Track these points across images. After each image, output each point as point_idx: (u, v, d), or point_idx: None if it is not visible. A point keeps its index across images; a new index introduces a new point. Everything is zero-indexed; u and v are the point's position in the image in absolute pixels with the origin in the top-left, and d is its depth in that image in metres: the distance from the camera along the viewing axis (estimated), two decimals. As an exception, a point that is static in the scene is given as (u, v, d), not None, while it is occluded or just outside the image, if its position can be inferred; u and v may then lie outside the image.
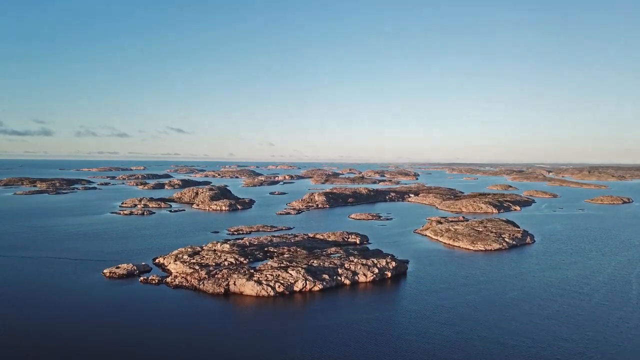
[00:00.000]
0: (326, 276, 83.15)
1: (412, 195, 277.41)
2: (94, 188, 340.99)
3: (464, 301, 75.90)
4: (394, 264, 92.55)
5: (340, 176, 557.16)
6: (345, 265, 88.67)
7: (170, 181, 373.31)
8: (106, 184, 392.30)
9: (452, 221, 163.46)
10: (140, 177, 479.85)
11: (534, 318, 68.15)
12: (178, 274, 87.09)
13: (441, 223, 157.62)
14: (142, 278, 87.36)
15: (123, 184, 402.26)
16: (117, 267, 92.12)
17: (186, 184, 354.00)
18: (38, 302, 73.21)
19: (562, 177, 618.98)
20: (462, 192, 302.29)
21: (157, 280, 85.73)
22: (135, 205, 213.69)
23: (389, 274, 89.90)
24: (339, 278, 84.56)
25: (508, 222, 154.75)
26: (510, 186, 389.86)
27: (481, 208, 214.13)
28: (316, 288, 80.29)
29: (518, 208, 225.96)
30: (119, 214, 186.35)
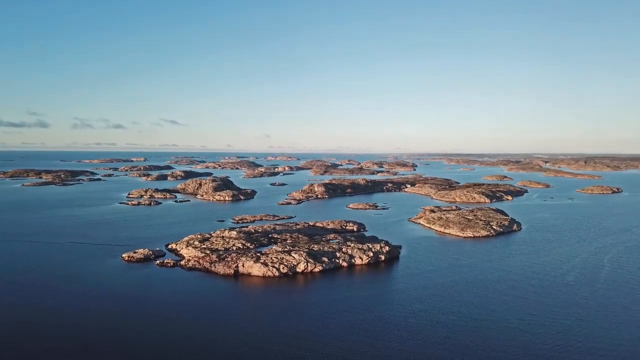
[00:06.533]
0: (325, 259, 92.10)
1: (409, 186, 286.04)
2: (99, 179, 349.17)
3: (448, 281, 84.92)
4: (387, 248, 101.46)
5: (339, 167, 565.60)
6: (343, 250, 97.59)
7: (172, 172, 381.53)
8: (110, 175, 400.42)
9: (444, 210, 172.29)
10: (142, 168, 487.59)
11: (507, 296, 77.17)
12: (191, 258, 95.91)
13: (434, 212, 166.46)
14: (158, 261, 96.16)
15: (126, 175, 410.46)
16: (135, 252, 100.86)
17: (188, 175, 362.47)
18: (69, 283, 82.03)
19: (558, 167, 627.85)
20: (458, 183, 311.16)
21: (172, 263, 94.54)
22: (142, 196, 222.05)
23: (383, 258, 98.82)
24: (337, 261, 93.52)
25: (497, 211, 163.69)
26: (506, 176, 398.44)
27: (474, 198, 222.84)
28: (316, 269, 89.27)
29: (510, 198, 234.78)
30: (127, 204, 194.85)
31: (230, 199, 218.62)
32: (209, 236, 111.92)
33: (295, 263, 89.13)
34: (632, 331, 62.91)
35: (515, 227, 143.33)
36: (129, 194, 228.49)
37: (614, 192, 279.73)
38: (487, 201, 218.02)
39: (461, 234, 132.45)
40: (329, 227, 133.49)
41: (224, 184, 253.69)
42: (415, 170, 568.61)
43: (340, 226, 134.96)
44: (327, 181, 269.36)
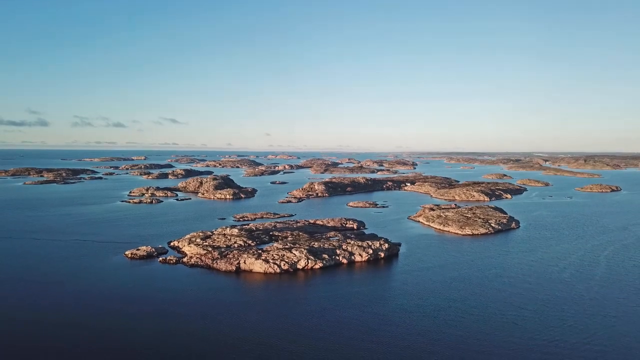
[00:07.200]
0: (326, 256, 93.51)
1: (409, 184, 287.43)
2: (100, 178, 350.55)
3: (446, 278, 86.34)
4: (386, 245, 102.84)
5: (340, 166, 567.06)
6: (343, 247, 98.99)
7: (173, 171, 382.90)
8: (111, 173, 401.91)
9: (444, 208, 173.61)
10: (143, 167, 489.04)
11: (503, 292, 78.64)
12: (193, 255, 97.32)
13: (434, 210, 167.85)
14: (160, 258, 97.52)
15: (127, 173, 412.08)
16: (137, 249, 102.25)
17: (189, 173, 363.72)
18: (72, 280, 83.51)
19: (558, 166, 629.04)
20: (457, 181, 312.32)
21: (174, 260, 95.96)
22: (143, 194, 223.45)
23: (382, 255, 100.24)
24: (337, 257, 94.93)
25: (496, 209, 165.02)
26: (505, 175, 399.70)
27: (473, 196, 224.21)
28: (317, 266, 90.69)
29: (509, 196, 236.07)
30: (129, 202, 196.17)
31: (231, 197, 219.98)
32: (210, 234, 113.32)
33: (296, 260, 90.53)
34: (625, 326, 64.30)
35: (513, 225, 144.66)
36: (130, 192, 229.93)
37: (613, 190, 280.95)
38: (486, 199, 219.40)
39: (460, 232, 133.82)
40: (329, 225, 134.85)
41: (225, 183, 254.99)
42: (415, 168, 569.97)
43: (340, 224, 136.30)
44: (327, 179, 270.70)
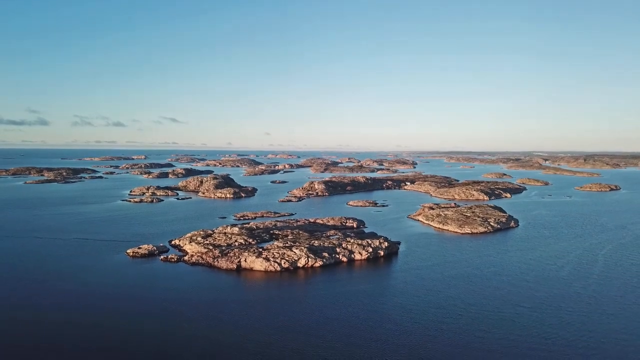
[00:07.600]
0: (326, 254, 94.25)
1: (409, 184, 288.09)
2: (100, 177, 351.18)
3: (445, 276, 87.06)
4: (386, 244, 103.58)
5: (339, 165, 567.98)
6: (343, 245, 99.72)
7: (173, 170, 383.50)
8: (111, 173, 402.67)
9: (443, 207, 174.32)
10: (143, 166, 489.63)
11: (501, 290, 79.37)
12: (194, 253, 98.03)
13: (433, 209, 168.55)
14: (162, 257, 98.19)
15: (127, 173, 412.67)
16: (139, 248, 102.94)
17: (189, 172, 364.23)
18: (76, 277, 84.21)
19: (558, 165, 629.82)
20: (457, 180, 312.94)
21: (176, 259, 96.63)
22: (144, 193, 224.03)
23: (382, 253, 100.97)
24: (337, 256, 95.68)
25: (495, 208, 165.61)
26: (505, 174, 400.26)
27: (473, 195, 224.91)
28: (317, 264, 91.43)
29: (508, 195, 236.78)
30: (129, 201, 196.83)
31: (232, 196, 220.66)
32: (211, 232, 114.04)
33: (297, 258, 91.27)
34: (622, 323, 65.02)
35: (512, 223, 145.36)
36: (131, 192, 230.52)
37: (612, 189, 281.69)
38: (485, 198, 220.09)
39: (459, 230, 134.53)
40: (329, 223, 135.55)
41: (225, 182, 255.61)
42: (415, 168, 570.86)
43: (340, 223, 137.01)
44: (327, 179, 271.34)
